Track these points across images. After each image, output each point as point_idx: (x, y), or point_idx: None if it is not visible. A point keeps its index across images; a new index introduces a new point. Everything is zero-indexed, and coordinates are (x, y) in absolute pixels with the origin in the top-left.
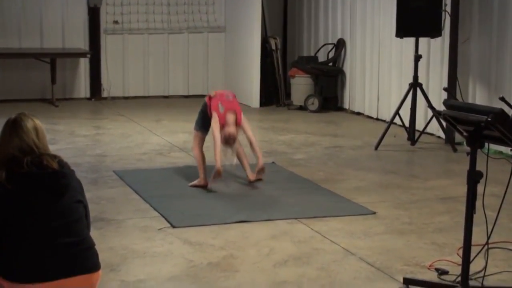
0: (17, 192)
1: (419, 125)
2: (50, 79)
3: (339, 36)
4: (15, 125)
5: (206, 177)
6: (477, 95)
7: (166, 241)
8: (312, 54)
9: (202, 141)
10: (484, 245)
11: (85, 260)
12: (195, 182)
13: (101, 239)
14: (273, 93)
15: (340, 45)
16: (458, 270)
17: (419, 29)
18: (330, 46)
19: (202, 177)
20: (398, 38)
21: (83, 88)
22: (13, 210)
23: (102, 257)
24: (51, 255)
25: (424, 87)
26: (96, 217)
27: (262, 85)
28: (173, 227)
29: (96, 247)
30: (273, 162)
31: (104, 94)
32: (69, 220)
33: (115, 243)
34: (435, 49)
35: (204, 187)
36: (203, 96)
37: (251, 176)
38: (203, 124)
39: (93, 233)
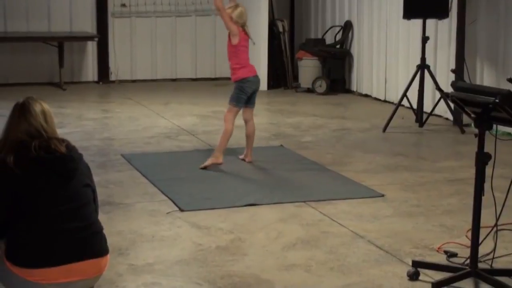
0: (25, 176)
1: (427, 107)
2: (57, 63)
3: (346, 18)
4: (23, 109)
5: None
6: (484, 76)
7: (175, 224)
8: (320, 36)
9: (236, 116)
10: (493, 227)
11: (94, 244)
12: (209, 162)
13: (109, 223)
14: (281, 76)
15: (347, 27)
16: (467, 252)
17: (426, 11)
18: (338, 28)
19: (219, 155)
20: (405, 20)
21: (90, 71)
22: (21, 195)
23: (111, 241)
24: (59, 239)
25: (431, 68)
26: (104, 201)
27: (269, 68)
28: (182, 210)
29: (105, 231)
30: (281, 145)
31: (112, 77)
32: (78, 204)
33: (123, 227)
34: (443, 30)
35: (219, 164)
36: (211, 79)
37: (249, 158)
38: (240, 100)
39: (101, 217)
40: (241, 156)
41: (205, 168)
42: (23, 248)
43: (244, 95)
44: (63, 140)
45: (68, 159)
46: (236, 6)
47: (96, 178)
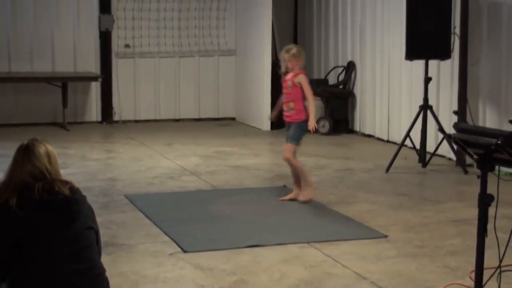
0: (28, 218)
1: (430, 147)
2: (61, 103)
3: (349, 59)
4: (27, 151)
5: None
6: (487, 117)
7: (177, 266)
8: (323, 76)
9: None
10: (496, 268)
11: (96, 286)
12: (290, 196)
13: (112, 264)
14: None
15: (350, 67)
16: None
17: (429, 52)
18: (340, 69)
19: (311, 188)
20: (408, 61)
21: (94, 111)
22: (24, 237)
23: (113, 282)
24: (61, 282)
25: (434, 109)
26: (107, 242)
27: (272, 108)
28: (184, 251)
29: (107, 272)
30: (284, 186)
31: (116, 117)
32: (80, 246)
33: (126, 268)
34: (445, 71)
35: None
36: (214, 119)
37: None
38: (301, 139)
39: (104, 258)
40: (288, 196)
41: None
42: None
43: (303, 134)
44: (66, 182)
45: (71, 201)
46: (290, 48)
47: (99, 219)
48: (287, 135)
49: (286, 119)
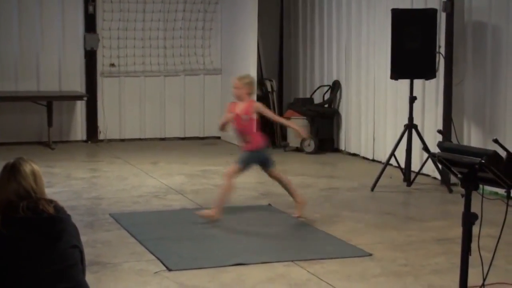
0: (12, 237)
1: (415, 166)
2: (46, 122)
3: (334, 78)
4: (13, 170)
5: None
6: (472, 136)
7: (162, 285)
8: (308, 96)
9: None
10: (480, 287)
11: None
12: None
13: (97, 283)
14: (269, 135)
15: (335, 86)
16: None
17: (414, 71)
18: (326, 88)
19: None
20: (393, 80)
21: (79, 130)
22: (8, 256)
23: None
24: None
25: (419, 128)
26: (91, 261)
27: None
28: (169, 270)
29: None
30: (269, 204)
31: (101, 136)
32: (65, 265)
33: (111, 287)
34: (430, 90)
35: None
36: (199, 138)
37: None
38: None
39: (89, 277)
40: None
41: None
42: None
43: None
44: (51, 201)
45: (56, 220)
46: (245, 76)
47: (84, 238)
48: None
49: None
